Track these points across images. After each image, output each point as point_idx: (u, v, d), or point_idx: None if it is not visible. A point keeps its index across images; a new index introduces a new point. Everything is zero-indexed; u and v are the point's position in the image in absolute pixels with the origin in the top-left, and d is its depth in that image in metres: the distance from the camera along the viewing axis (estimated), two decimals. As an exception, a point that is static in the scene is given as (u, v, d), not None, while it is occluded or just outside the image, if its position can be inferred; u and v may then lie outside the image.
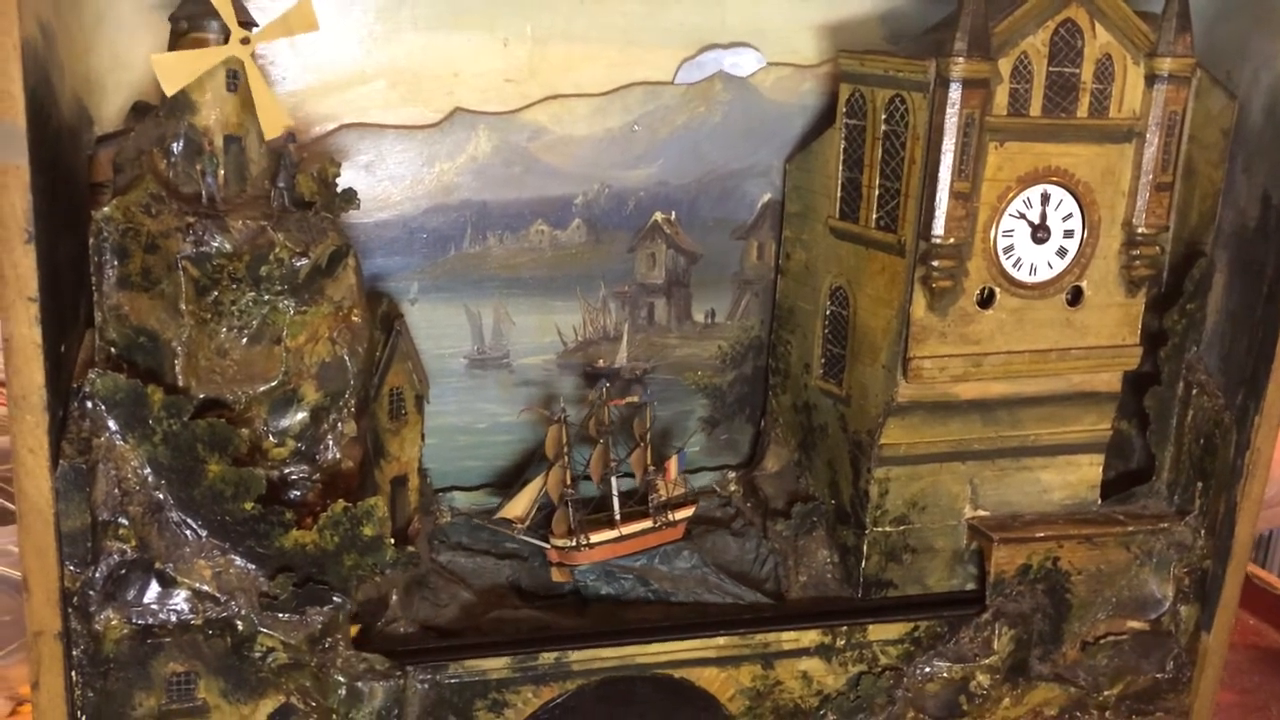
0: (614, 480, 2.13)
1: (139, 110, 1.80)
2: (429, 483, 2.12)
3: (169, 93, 1.63)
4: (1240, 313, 2.07)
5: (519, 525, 2.09)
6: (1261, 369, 2.03)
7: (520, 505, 2.10)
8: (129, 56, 1.77)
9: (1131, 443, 2.24)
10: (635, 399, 2.16)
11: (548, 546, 2.08)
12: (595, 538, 2.08)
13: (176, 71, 1.62)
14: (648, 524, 2.13)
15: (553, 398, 2.14)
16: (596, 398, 2.12)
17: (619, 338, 2.18)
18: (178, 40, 1.65)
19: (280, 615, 1.68)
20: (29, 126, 1.42)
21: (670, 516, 2.14)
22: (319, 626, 1.70)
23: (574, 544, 2.07)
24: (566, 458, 2.09)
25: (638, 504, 2.14)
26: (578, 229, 2.09)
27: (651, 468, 2.15)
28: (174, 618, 1.64)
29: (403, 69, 1.94)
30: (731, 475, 2.29)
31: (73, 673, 1.62)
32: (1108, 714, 2.14)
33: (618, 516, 2.12)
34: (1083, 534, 2.07)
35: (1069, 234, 1.97)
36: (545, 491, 2.10)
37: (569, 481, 2.09)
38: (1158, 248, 2.00)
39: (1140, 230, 1.97)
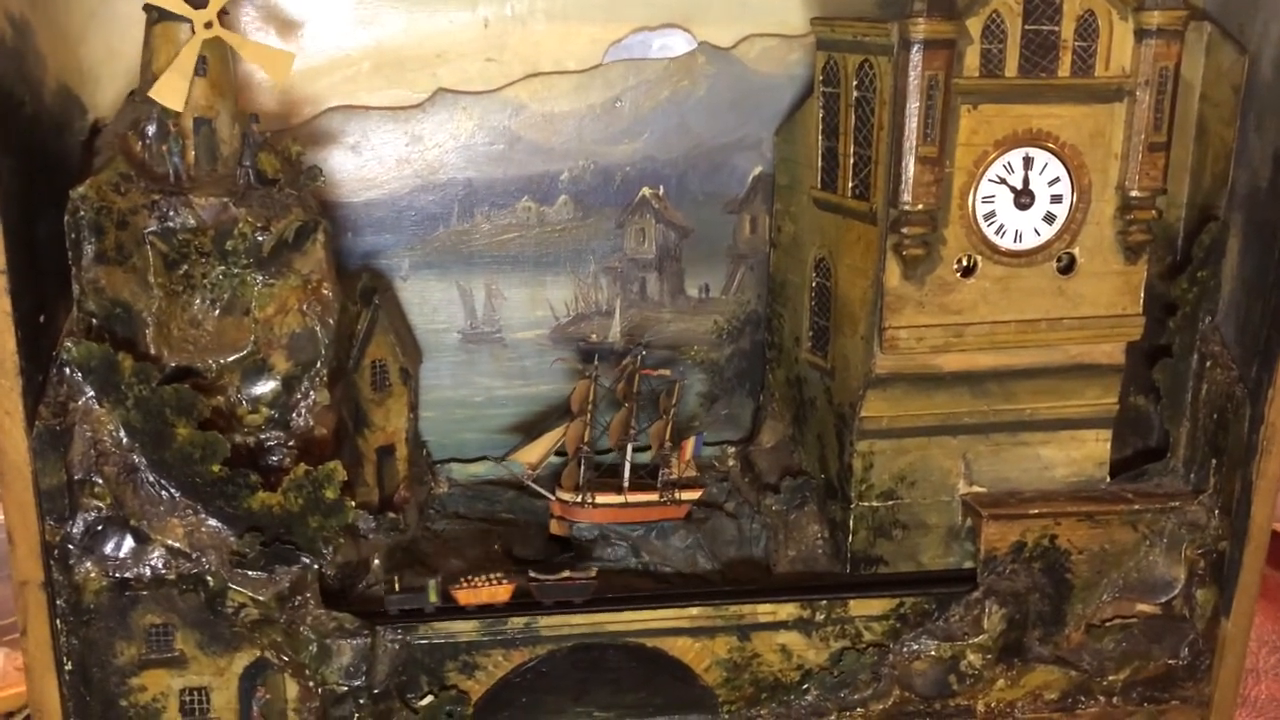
0: (629, 448, 2.15)
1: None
2: (427, 454, 2.18)
3: (178, 108, 1.72)
4: (1254, 279, 1.95)
5: (530, 471, 2.13)
6: (1275, 338, 1.91)
7: (536, 452, 2.13)
8: (123, 48, 1.85)
9: (1151, 419, 2.14)
10: (668, 373, 2.17)
11: (553, 498, 2.12)
12: (600, 499, 2.11)
13: (172, 90, 1.70)
14: (654, 497, 2.14)
15: (589, 356, 2.16)
16: (631, 362, 2.13)
17: (611, 312, 2.20)
18: (149, 29, 1.74)
19: (250, 573, 1.76)
20: (-10, 112, 1.54)
21: (677, 495, 2.15)
22: (287, 585, 1.78)
23: (579, 499, 2.10)
24: (590, 415, 2.12)
25: (648, 476, 2.16)
26: (565, 205, 2.12)
27: (669, 444, 2.16)
28: (149, 572, 1.75)
29: (386, 51, 2.00)
30: (731, 450, 2.28)
31: (57, 621, 1.74)
32: (1115, 700, 2.06)
33: (626, 483, 2.14)
34: (1083, 511, 1.98)
35: (1056, 199, 1.89)
36: (562, 444, 2.13)
37: (587, 439, 2.12)
38: (1154, 211, 1.91)
39: (1133, 194, 1.88)
